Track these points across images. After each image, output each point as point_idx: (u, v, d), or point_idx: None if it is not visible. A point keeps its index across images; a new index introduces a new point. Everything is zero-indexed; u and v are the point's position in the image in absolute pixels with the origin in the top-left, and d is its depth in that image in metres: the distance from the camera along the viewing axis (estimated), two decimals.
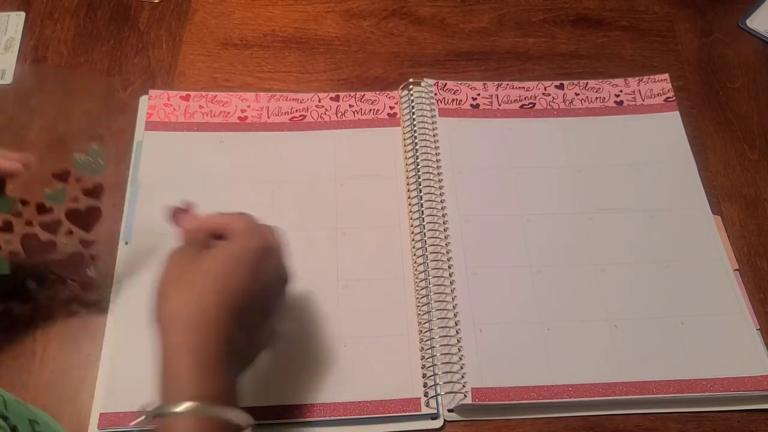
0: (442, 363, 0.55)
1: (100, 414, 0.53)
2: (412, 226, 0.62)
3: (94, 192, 0.57)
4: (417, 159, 0.65)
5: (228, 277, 0.43)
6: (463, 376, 0.55)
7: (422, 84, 0.70)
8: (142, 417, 0.40)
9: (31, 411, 0.42)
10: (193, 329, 0.41)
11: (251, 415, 0.53)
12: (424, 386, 0.55)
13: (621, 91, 0.71)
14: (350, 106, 0.69)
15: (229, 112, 0.68)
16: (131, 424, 0.42)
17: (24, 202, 0.56)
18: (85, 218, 0.57)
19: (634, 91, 0.71)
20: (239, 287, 0.43)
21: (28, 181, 0.59)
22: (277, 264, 0.47)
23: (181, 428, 0.39)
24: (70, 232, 0.57)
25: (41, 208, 0.56)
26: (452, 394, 0.54)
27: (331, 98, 0.69)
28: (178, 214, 0.52)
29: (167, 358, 0.41)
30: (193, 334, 0.41)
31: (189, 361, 0.40)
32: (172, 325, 0.41)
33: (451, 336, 0.56)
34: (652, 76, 0.72)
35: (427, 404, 0.54)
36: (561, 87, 0.71)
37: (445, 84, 0.70)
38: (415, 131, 0.67)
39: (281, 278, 0.48)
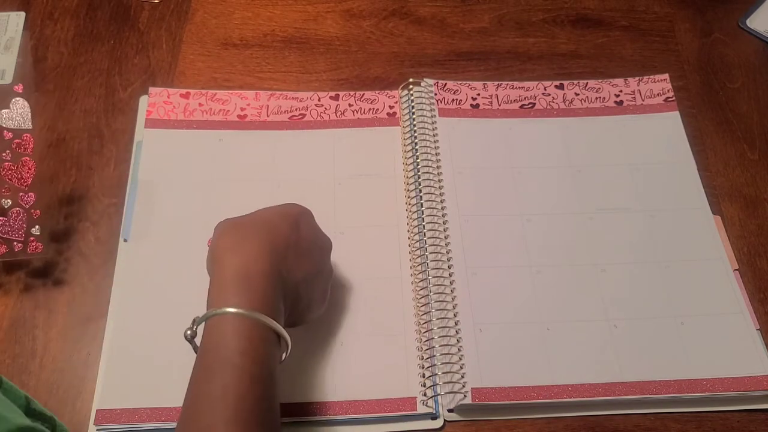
0: (442, 363, 0.55)
1: (97, 411, 0.53)
2: (411, 225, 0.62)
3: (24, 146, 0.57)
4: (417, 159, 0.65)
5: (271, 222, 0.49)
6: (462, 376, 0.55)
7: (422, 84, 0.70)
8: (191, 328, 0.45)
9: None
10: (239, 254, 0.46)
11: None
12: (424, 386, 0.55)
13: (621, 91, 0.71)
14: (350, 105, 0.69)
15: (228, 110, 0.68)
16: (187, 332, 0.46)
17: None
18: (19, 173, 0.57)
19: (634, 91, 0.71)
20: (281, 231, 0.48)
21: None
22: (316, 229, 0.53)
23: (226, 329, 0.43)
24: (8, 189, 0.56)
25: None
26: (452, 394, 0.54)
27: (331, 97, 0.69)
28: None
29: (216, 278, 0.45)
30: (238, 258, 0.45)
31: (234, 277, 0.44)
32: (222, 256, 0.46)
33: (450, 336, 0.56)
34: (652, 76, 0.72)
35: (426, 404, 0.54)
36: (561, 87, 0.71)
37: (445, 84, 0.70)
38: (414, 131, 0.67)
39: (321, 240, 0.54)
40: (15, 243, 0.56)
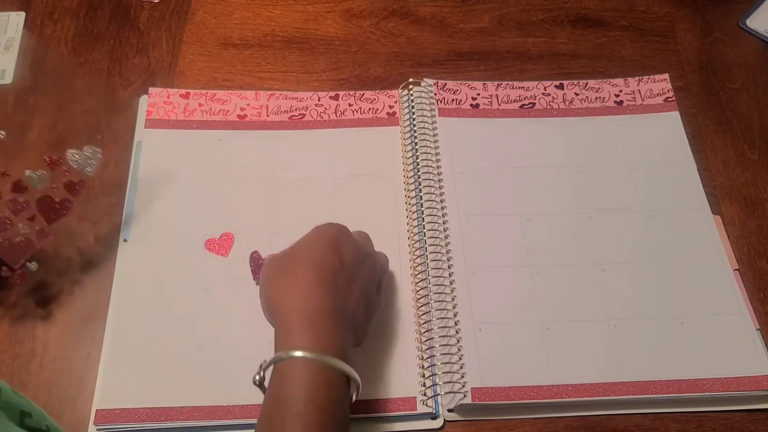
0: (442, 363, 0.55)
1: (96, 410, 0.53)
2: (410, 225, 0.62)
3: (74, 188, 0.57)
4: (417, 158, 0.65)
5: (313, 254, 0.48)
6: (462, 376, 0.55)
7: (422, 84, 0.70)
8: (259, 373, 0.45)
9: (29, 404, 0.42)
10: (294, 295, 0.46)
11: (250, 412, 0.54)
12: (423, 386, 0.55)
13: (621, 91, 0.71)
14: (349, 105, 0.69)
15: (228, 110, 0.68)
16: (255, 377, 0.45)
17: (3, 174, 0.55)
18: (52, 209, 0.56)
19: (634, 91, 0.71)
20: (325, 260, 0.48)
21: (14, 155, 0.60)
22: (354, 243, 0.51)
23: (292, 374, 0.42)
24: (32, 218, 0.56)
25: (17, 186, 0.55)
26: (452, 394, 0.54)
27: (331, 97, 0.69)
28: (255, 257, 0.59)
29: (279, 322, 0.45)
30: (295, 299, 0.45)
31: (297, 319, 0.44)
32: (279, 299, 0.46)
33: (450, 336, 0.56)
34: (652, 76, 0.72)
35: (426, 404, 0.54)
36: (561, 87, 0.71)
37: (445, 84, 0.70)
38: (414, 131, 0.67)
39: (362, 251, 0.52)
40: (3, 268, 0.55)
